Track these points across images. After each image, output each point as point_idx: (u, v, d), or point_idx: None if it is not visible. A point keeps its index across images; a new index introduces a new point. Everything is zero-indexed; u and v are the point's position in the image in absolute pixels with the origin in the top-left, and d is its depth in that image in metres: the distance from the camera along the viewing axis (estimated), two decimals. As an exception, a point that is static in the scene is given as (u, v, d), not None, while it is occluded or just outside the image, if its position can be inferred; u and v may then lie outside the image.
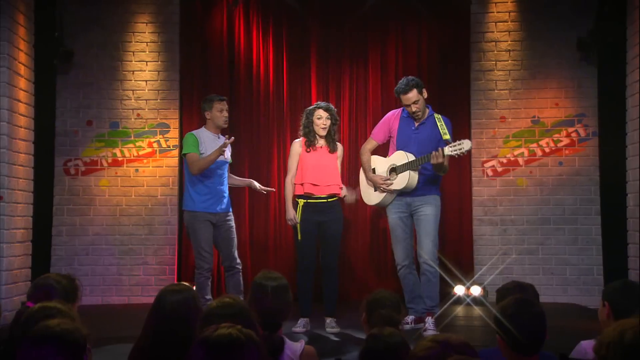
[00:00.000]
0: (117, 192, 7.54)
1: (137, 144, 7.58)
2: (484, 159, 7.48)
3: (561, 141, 7.40)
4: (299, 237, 5.82)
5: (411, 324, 5.61)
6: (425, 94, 5.64)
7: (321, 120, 5.84)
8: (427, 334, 5.37)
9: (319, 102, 6.05)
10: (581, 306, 7.11)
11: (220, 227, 5.99)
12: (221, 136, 6.07)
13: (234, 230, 6.08)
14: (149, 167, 7.56)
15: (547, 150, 7.41)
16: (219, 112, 6.03)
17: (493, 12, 7.50)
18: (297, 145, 5.96)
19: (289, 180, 5.94)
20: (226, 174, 6.12)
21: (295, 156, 5.93)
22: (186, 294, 3.04)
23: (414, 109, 5.59)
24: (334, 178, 5.87)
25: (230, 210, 6.11)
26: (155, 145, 7.57)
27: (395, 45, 7.58)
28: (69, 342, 2.21)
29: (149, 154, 7.57)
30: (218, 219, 5.98)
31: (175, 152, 7.57)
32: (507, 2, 7.48)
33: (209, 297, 5.88)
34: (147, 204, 7.54)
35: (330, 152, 5.90)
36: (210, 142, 6.00)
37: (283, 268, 7.44)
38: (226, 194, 6.07)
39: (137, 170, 7.56)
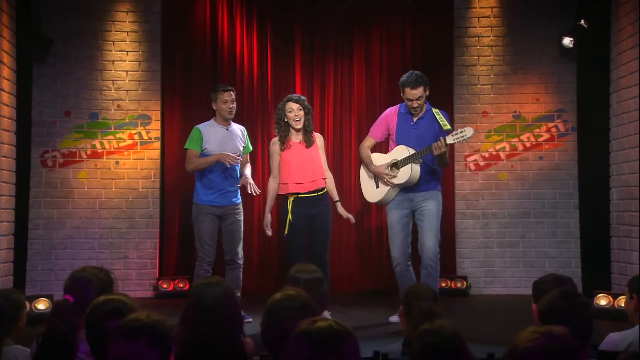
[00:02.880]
0: (97, 184, 7.38)
1: (118, 135, 7.42)
2: (467, 153, 7.56)
3: (541, 136, 7.53)
4: (285, 232, 5.80)
5: (406, 317, 5.62)
6: (427, 92, 5.67)
7: (292, 113, 5.77)
8: (424, 327, 5.40)
9: (289, 95, 5.98)
10: (560, 298, 7.23)
11: (226, 220, 5.90)
12: (231, 127, 5.96)
13: (241, 224, 5.98)
14: (129, 159, 7.42)
15: (527, 144, 7.54)
16: (223, 104, 5.88)
17: (476, 8, 7.58)
18: (275, 144, 5.90)
19: (271, 181, 5.94)
20: (237, 166, 5.94)
21: (275, 156, 5.88)
22: (224, 286, 3.02)
23: (415, 105, 5.60)
24: (316, 172, 5.82)
25: (240, 202, 6.00)
26: (136, 137, 7.43)
27: (380, 39, 7.60)
28: (160, 334, 2.19)
29: (129, 146, 7.43)
30: (224, 212, 5.89)
31: (157, 144, 7.44)
32: (489, -2, 7.58)
33: (206, 290, 5.78)
34: (128, 197, 7.40)
35: (307, 146, 5.83)
36: (217, 135, 5.87)
37: (267, 263, 7.43)
38: (235, 186, 5.95)
39: (117, 163, 7.40)
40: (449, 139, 5.38)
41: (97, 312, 2.69)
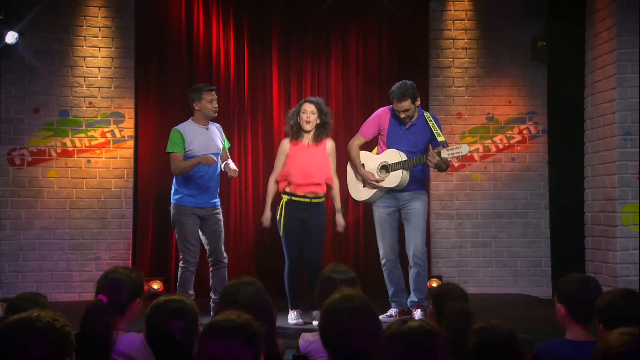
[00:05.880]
0: (67, 183, 7.17)
1: (89, 133, 7.22)
2: (441, 154, 7.62)
3: (513, 138, 7.66)
4: (281, 232, 5.76)
5: (395, 317, 5.65)
6: (417, 103, 5.68)
7: (305, 114, 5.72)
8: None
9: (309, 97, 5.97)
10: (531, 296, 7.39)
11: (207, 220, 5.80)
12: (210, 126, 5.89)
13: (222, 223, 5.89)
14: (101, 158, 7.24)
15: (500, 146, 7.66)
16: (209, 103, 5.79)
17: (451, 10, 7.65)
18: (286, 142, 5.85)
19: (272, 179, 5.88)
20: (218, 165, 5.86)
21: (282, 156, 5.83)
22: (257, 286, 3.06)
23: (402, 116, 5.63)
24: (318, 176, 5.75)
25: (218, 202, 5.92)
26: (108, 135, 7.25)
27: (356, 40, 7.61)
28: (252, 333, 2.17)
29: (101, 144, 7.24)
30: (206, 212, 5.78)
31: (131, 143, 7.28)
32: (464, 1, 7.65)
33: (191, 292, 5.69)
34: (100, 196, 7.21)
35: (315, 145, 5.77)
36: (198, 135, 5.78)
37: (241, 265, 7.33)
38: (216, 186, 5.86)
39: (89, 161, 7.21)
40: (444, 153, 5.44)
41: (159, 313, 2.66)
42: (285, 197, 5.76)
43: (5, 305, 3.36)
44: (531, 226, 7.62)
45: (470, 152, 7.46)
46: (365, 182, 5.79)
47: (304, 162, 5.72)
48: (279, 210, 5.79)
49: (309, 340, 3.16)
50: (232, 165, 5.93)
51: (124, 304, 3.10)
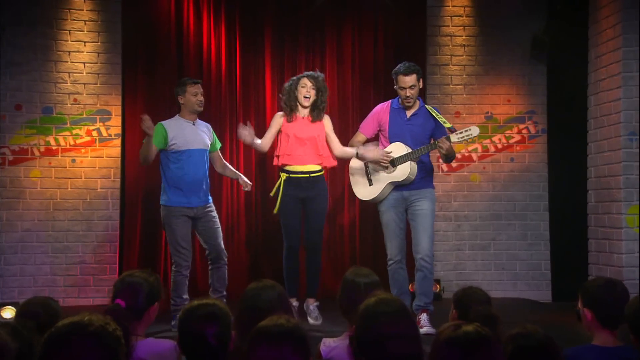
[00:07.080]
0: (51, 184, 6.88)
1: (74, 131, 6.94)
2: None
3: (513, 137, 7.48)
4: (275, 211, 5.55)
5: (397, 322, 5.42)
6: (421, 84, 5.49)
7: (305, 88, 5.52)
8: (423, 331, 5.21)
9: (307, 72, 5.74)
10: (531, 300, 7.22)
11: (201, 219, 5.56)
12: (197, 122, 5.67)
13: (217, 220, 5.67)
14: (87, 157, 6.95)
15: (499, 146, 7.47)
16: (193, 96, 5.58)
17: (449, 6, 7.46)
18: (279, 116, 5.66)
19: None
20: (206, 162, 5.65)
21: (274, 126, 5.63)
22: (279, 290, 2.98)
23: (408, 94, 5.40)
24: (316, 149, 5.54)
25: (210, 200, 5.68)
26: (94, 133, 6.97)
27: (352, 36, 7.39)
28: (302, 338, 2.11)
29: (87, 143, 6.96)
30: (197, 212, 5.54)
31: (118, 142, 7.00)
32: (461, -3, 7.48)
33: (185, 296, 5.45)
34: (86, 197, 6.93)
35: (312, 121, 5.57)
36: (183, 129, 5.55)
37: (237, 265, 7.09)
38: (204, 185, 5.62)
39: (73, 161, 6.93)
40: (454, 138, 5.22)
41: (193, 317, 2.58)
42: (283, 175, 5.54)
43: (17, 310, 3.21)
44: (530, 228, 7.45)
45: (468, 151, 7.38)
46: (373, 175, 5.51)
47: (303, 135, 5.52)
48: (277, 189, 5.56)
49: (331, 345, 3.04)
50: (245, 179, 5.89)
51: (141, 309, 3.01)
